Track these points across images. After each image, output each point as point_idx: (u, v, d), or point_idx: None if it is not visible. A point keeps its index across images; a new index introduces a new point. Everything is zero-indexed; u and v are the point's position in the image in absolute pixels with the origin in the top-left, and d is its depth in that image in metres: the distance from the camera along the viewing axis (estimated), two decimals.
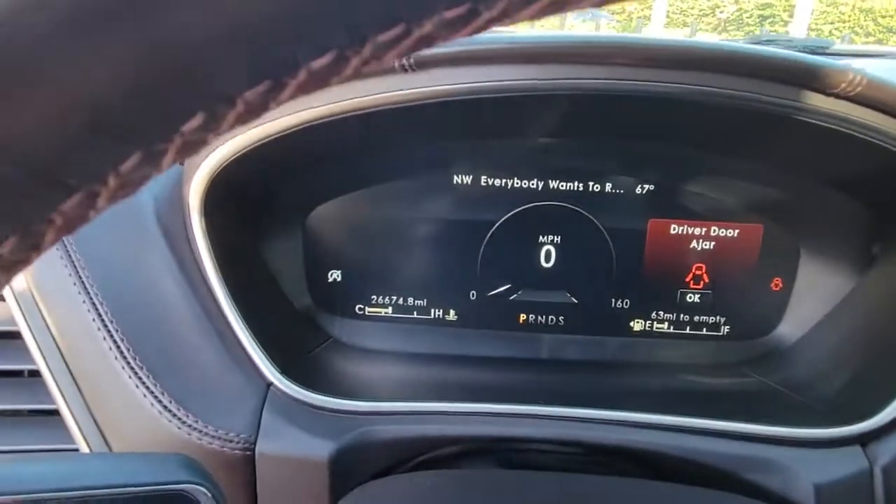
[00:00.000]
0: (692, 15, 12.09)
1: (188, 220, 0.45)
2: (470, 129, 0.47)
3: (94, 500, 0.26)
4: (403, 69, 0.34)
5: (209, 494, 0.29)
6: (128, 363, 0.41)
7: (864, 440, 0.41)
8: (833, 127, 0.38)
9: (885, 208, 0.48)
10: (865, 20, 11.76)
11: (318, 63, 0.11)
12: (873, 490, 0.40)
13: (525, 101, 0.38)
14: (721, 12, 12.09)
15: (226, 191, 0.45)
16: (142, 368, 0.41)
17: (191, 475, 0.29)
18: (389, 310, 0.57)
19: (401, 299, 0.57)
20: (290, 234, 0.55)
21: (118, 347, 0.41)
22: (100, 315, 0.41)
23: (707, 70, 0.34)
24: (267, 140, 0.43)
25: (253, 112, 0.11)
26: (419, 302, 0.57)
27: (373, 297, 0.57)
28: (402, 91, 0.37)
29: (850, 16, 11.89)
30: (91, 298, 0.42)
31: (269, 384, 0.43)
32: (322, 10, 0.10)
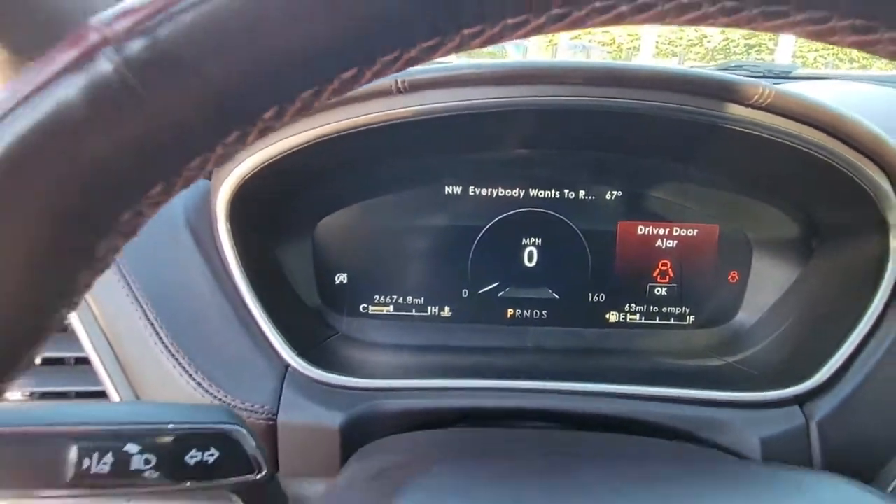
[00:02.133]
0: (680, 45, 12.39)
1: (215, 226, 0.52)
2: (455, 142, 0.55)
3: (151, 433, 0.33)
4: (398, 90, 0.42)
5: (247, 434, 0.35)
6: (166, 348, 0.48)
7: (800, 400, 0.48)
8: (756, 133, 0.45)
9: (811, 206, 0.55)
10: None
11: (346, 76, 0.17)
12: (809, 441, 0.46)
13: (501, 117, 0.46)
14: (709, 42, 12.41)
15: (247, 201, 0.53)
16: (178, 353, 0.48)
17: (233, 420, 0.35)
18: (391, 308, 0.64)
19: (400, 298, 0.64)
20: (302, 241, 0.62)
21: (158, 336, 0.48)
22: (142, 308, 0.48)
23: (643, 87, 0.42)
24: (282, 156, 0.50)
25: (301, 112, 0.18)
26: (417, 300, 0.64)
27: (375, 296, 0.64)
28: (397, 110, 0.45)
29: None
30: (134, 294, 0.49)
31: (287, 366, 0.50)
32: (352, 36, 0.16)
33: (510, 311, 0.65)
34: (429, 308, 0.64)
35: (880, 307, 0.48)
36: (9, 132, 0.14)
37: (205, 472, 0.34)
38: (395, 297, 0.64)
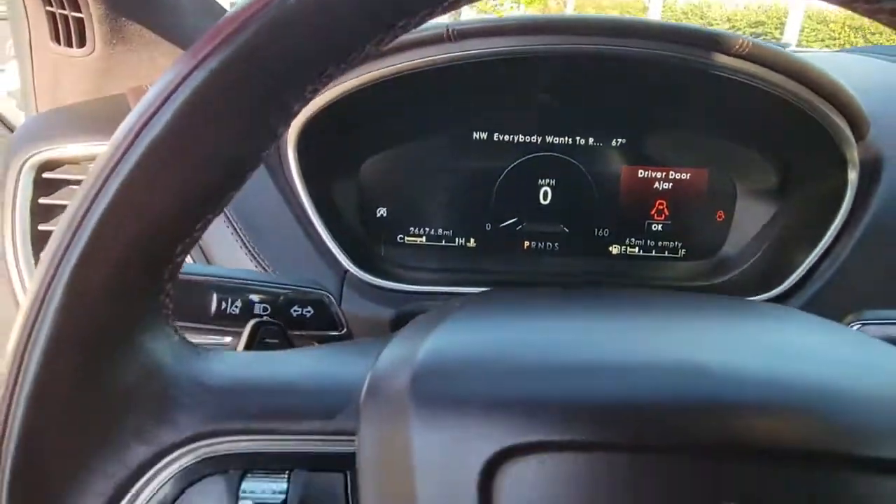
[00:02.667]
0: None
1: (285, 160, 0.62)
2: (490, 88, 0.64)
3: (269, 290, 0.43)
4: (449, 38, 0.52)
5: (333, 300, 0.45)
6: (249, 252, 0.58)
7: (772, 301, 0.59)
8: (738, 80, 0.55)
9: (786, 149, 0.65)
10: (855, 37, 12.07)
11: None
12: None
13: (531, 63, 0.56)
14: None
15: (310, 140, 0.63)
16: (259, 256, 0.58)
17: (324, 289, 0.46)
18: (423, 238, 0.74)
19: (432, 230, 0.74)
20: (350, 178, 0.72)
21: (244, 244, 0.58)
22: (231, 222, 0.58)
23: (649, 38, 0.52)
24: (341, 97, 0.60)
25: (385, 43, 0.27)
26: (446, 232, 0.74)
27: (411, 228, 0.74)
28: (446, 55, 0.54)
29: (840, 33, 12.22)
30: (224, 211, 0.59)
31: (346, 271, 0.60)
32: None
33: (527, 243, 0.75)
34: (456, 239, 0.74)
35: (839, 226, 0.59)
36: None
37: (302, 323, 0.44)
38: (427, 229, 0.74)
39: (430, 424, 0.25)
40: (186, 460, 0.26)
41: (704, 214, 0.73)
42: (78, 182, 0.60)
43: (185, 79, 0.23)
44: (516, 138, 0.72)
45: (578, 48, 0.53)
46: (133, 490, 0.25)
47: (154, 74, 0.74)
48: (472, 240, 0.75)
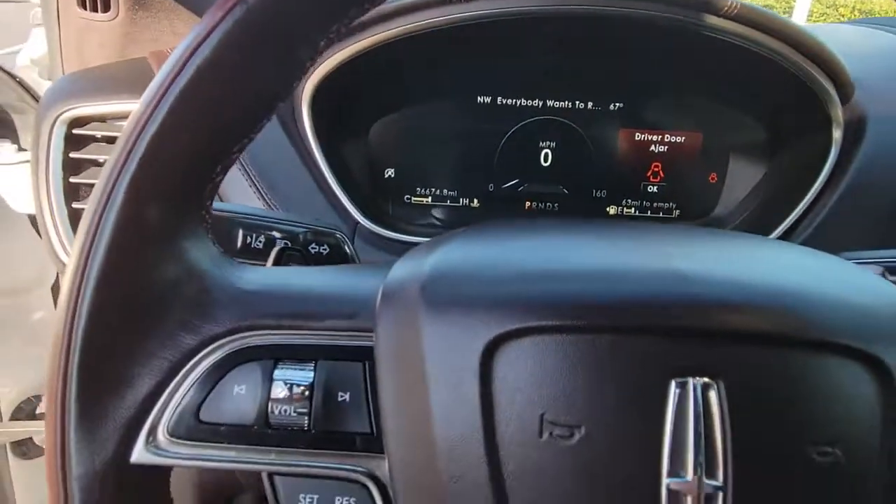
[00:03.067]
0: None
1: (298, 114, 0.65)
2: (494, 49, 0.68)
3: (288, 227, 0.47)
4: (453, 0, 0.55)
5: (346, 240, 0.49)
6: (266, 204, 0.62)
7: None
8: (728, 41, 0.58)
9: (775, 111, 0.69)
10: None
11: None
12: None
13: (534, 23, 0.59)
14: None
15: (322, 99, 0.66)
16: (274, 209, 0.62)
17: (340, 229, 0.50)
18: (429, 199, 0.78)
19: (437, 191, 0.78)
20: (359, 139, 0.75)
21: (261, 195, 0.62)
22: (247, 172, 0.62)
23: None
24: (352, 58, 0.63)
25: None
26: (451, 193, 0.78)
27: (417, 189, 0.78)
28: (447, 17, 0.58)
29: (850, 17, 12.11)
30: (241, 161, 0.63)
31: (357, 223, 0.64)
32: None
33: (528, 204, 0.78)
34: (461, 199, 0.78)
35: (823, 182, 0.62)
36: None
37: (319, 260, 0.48)
38: (433, 189, 0.78)
39: (438, 319, 0.29)
40: (226, 349, 0.30)
41: (698, 176, 0.77)
42: (105, 138, 0.64)
43: (227, 12, 0.26)
44: (519, 102, 0.75)
45: (576, 9, 0.57)
46: (182, 372, 0.29)
47: (173, 40, 0.78)
48: (475, 200, 0.78)
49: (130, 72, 0.69)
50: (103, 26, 0.72)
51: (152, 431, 0.29)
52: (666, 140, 0.76)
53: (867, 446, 0.26)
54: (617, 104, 0.75)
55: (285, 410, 0.29)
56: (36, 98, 0.94)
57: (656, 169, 0.77)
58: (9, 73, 0.89)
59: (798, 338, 0.27)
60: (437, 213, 0.78)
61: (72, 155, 0.62)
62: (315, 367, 0.30)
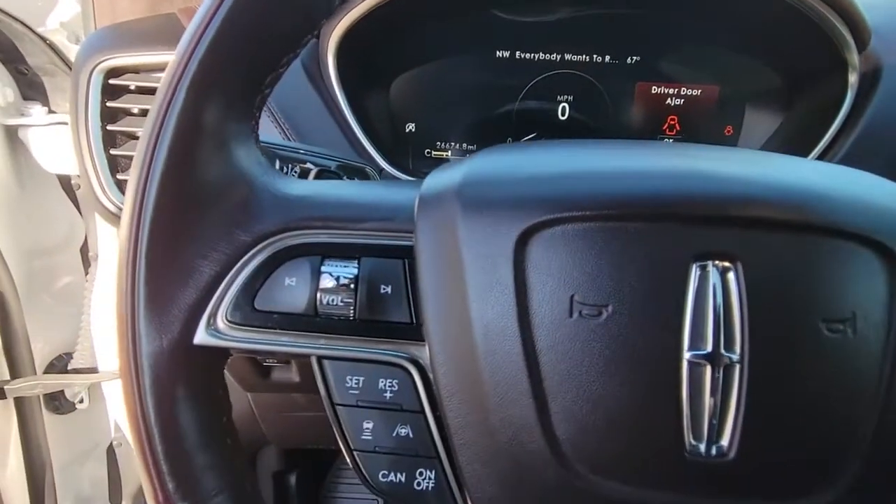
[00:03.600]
0: None
1: (323, 65, 0.67)
2: (511, 0, 0.69)
3: (322, 160, 0.49)
4: None
5: (376, 173, 0.52)
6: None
7: None
8: None
9: (791, 59, 0.70)
10: None
11: None
12: None
13: None
14: None
15: (347, 47, 0.68)
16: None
17: (370, 165, 0.52)
18: (449, 153, 0.80)
19: (457, 145, 0.80)
20: (381, 93, 0.77)
21: (286, 137, 0.64)
22: (275, 118, 0.65)
23: None
24: (373, 9, 0.65)
25: None
26: (470, 147, 0.80)
27: (437, 143, 0.80)
28: None
29: None
30: (269, 108, 0.65)
31: (381, 170, 0.66)
32: None
33: None
34: None
35: (838, 127, 0.63)
36: None
37: None
38: (452, 143, 0.80)
39: (474, 216, 0.31)
40: (277, 246, 0.32)
41: (714, 129, 0.78)
42: (139, 89, 0.66)
43: None
44: (537, 56, 0.77)
45: None
46: (238, 264, 0.32)
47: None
48: None
49: (161, 26, 0.71)
50: None
51: (212, 317, 0.31)
52: (682, 93, 0.77)
53: (875, 324, 0.28)
54: (634, 57, 0.76)
55: (332, 300, 0.32)
56: (65, 61, 0.96)
57: (672, 122, 0.78)
58: (40, 36, 0.92)
59: (813, 225, 0.29)
60: None
61: (108, 104, 0.65)
62: (359, 262, 0.33)
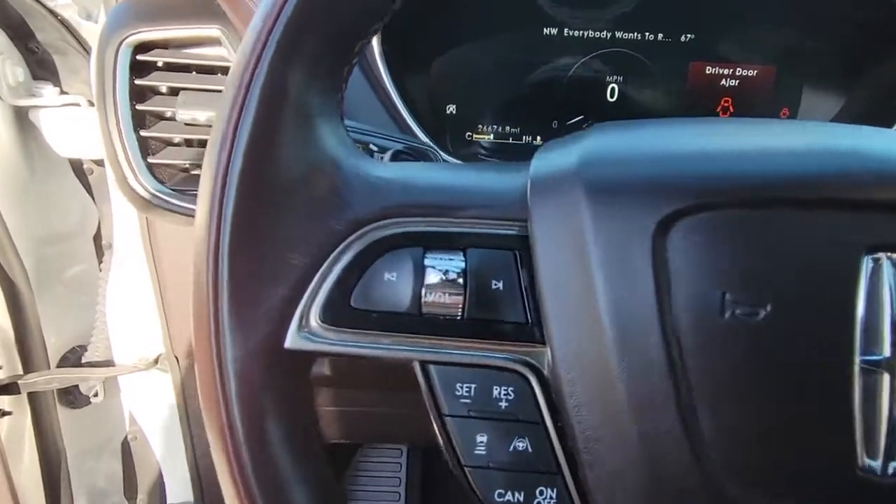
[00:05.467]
0: None
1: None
2: None
3: (380, 140, 0.45)
4: None
5: (439, 156, 0.48)
6: None
7: None
8: None
9: (853, 39, 0.66)
10: None
11: None
12: None
13: None
14: None
15: (390, 24, 0.64)
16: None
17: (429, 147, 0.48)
18: (491, 136, 0.76)
19: (500, 128, 0.76)
20: (422, 73, 0.73)
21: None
22: None
23: None
24: None
25: None
26: (514, 130, 0.76)
27: (479, 125, 0.76)
28: None
29: None
30: None
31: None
32: None
33: None
34: (523, 137, 0.76)
35: None
36: None
37: None
38: (494, 126, 0.76)
39: (602, 201, 0.27)
40: (373, 236, 0.29)
41: (769, 111, 0.74)
42: (167, 65, 0.62)
43: None
44: (586, 34, 0.73)
45: None
46: (331, 256, 0.28)
47: None
48: (538, 137, 0.76)
49: None
50: None
51: (304, 316, 0.28)
52: (737, 73, 0.73)
53: None
54: (688, 35, 0.72)
55: (439, 298, 0.28)
56: (77, 38, 0.91)
57: (726, 104, 0.74)
58: (51, 11, 0.87)
59: None
60: (499, 149, 0.76)
61: (137, 82, 0.60)
62: (465, 254, 0.29)
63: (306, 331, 0.27)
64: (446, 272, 0.28)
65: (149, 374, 1.04)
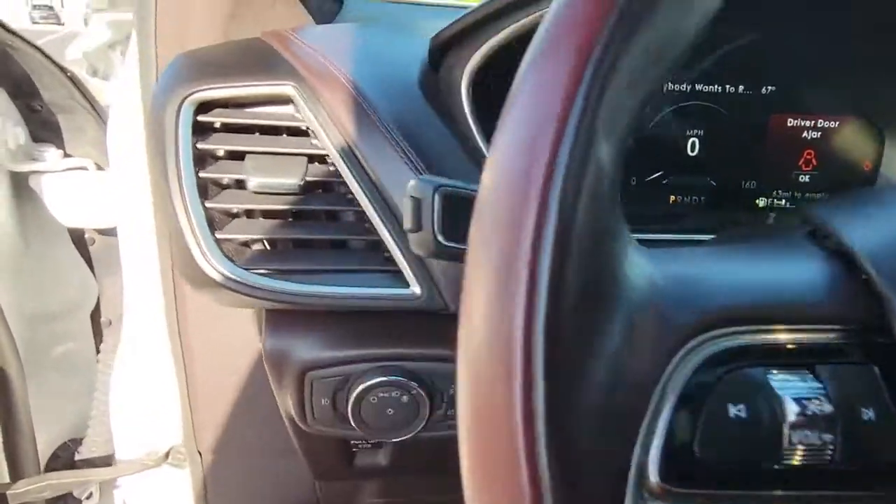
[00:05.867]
0: None
1: (454, 89, 0.58)
2: None
3: None
4: None
5: None
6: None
7: None
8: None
9: None
10: None
11: None
12: None
13: None
14: None
15: (481, 78, 0.59)
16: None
17: None
18: None
19: None
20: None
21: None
22: (390, 136, 0.54)
23: None
24: (506, 41, 0.57)
25: None
26: None
27: None
28: None
29: None
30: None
31: None
32: None
33: (672, 197, 0.72)
34: None
35: None
36: None
37: None
38: None
39: None
40: (701, 353, 0.22)
41: (852, 163, 0.72)
42: (225, 126, 0.54)
43: None
44: (665, 87, 0.69)
45: None
46: (660, 383, 0.21)
47: (275, 21, 0.68)
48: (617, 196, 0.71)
49: (248, 53, 0.59)
50: (205, 5, 0.62)
51: (641, 473, 0.20)
52: (819, 125, 0.71)
53: None
54: (769, 87, 0.70)
55: (806, 437, 0.21)
56: (86, 95, 0.82)
57: (808, 157, 0.72)
58: (60, 67, 0.78)
59: None
60: None
61: (199, 146, 0.52)
62: (815, 375, 0.22)
63: (648, 492, 0.20)
64: (809, 401, 0.21)
65: (157, 470, 0.91)
